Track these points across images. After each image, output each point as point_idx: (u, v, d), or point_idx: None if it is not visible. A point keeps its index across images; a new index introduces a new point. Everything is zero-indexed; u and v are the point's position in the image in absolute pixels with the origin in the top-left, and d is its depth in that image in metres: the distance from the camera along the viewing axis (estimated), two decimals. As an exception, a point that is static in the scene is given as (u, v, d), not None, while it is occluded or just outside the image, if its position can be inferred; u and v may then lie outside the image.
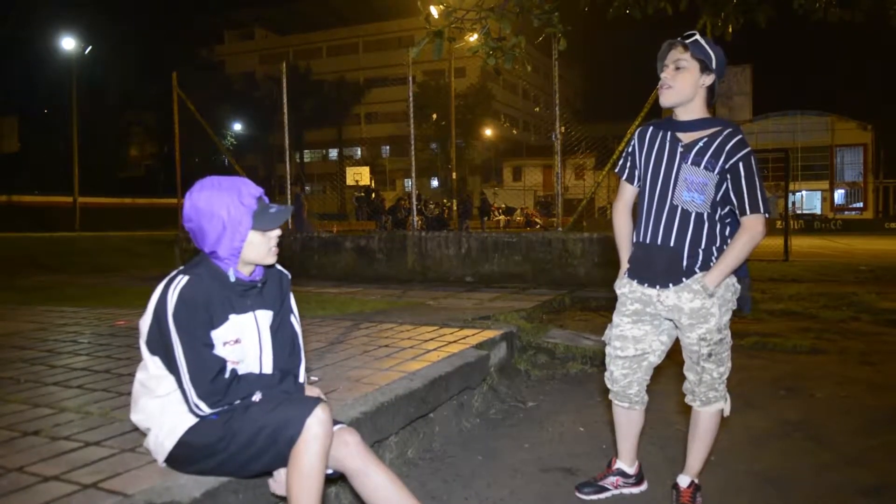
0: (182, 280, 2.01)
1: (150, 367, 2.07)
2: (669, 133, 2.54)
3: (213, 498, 2.00)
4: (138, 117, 46.04)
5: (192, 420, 2.04)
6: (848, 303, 7.56)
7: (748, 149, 2.43)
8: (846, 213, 49.05)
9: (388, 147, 54.94)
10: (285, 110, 10.85)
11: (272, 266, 2.20)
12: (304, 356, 2.32)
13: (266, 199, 2.12)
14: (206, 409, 2.00)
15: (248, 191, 2.05)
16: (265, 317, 2.19)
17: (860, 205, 50.43)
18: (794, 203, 44.91)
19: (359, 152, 53.17)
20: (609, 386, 2.76)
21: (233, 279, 2.08)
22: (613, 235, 2.78)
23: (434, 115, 41.06)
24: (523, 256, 8.40)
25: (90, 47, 31.44)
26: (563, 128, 8.75)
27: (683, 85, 2.46)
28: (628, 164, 2.70)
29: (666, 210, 2.51)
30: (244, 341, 2.12)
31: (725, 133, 2.45)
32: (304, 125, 46.80)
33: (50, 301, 6.89)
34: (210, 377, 1.99)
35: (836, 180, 51.12)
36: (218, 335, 2.05)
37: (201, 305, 2.00)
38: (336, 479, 2.22)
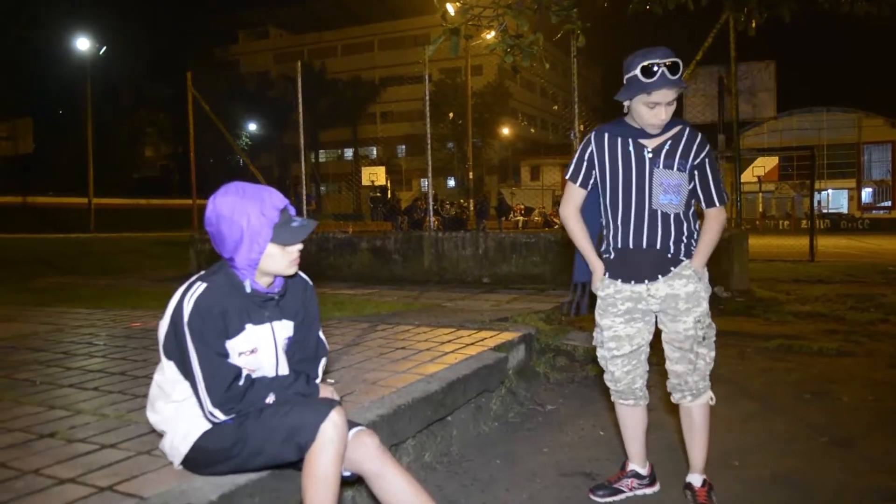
0: (199, 288, 1.98)
1: (167, 371, 2.06)
2: (631, 140, 2.55)
3: (230, 500, 1.99)
4: (153, 117, 46.37)
5: (207, 425, 2.03)
6: (876, 304, 7.44)
7: (708, 146, 2.57)
8: (874, 211, 48.45)
9: (403, 146, 55.00)
10: (300, 109, 10.83)
11: (294, 276, 2.15)
12: (323, 369, 2.30)
13: (292, 211, 2.07)
14: (221, 417, 1.98)
15: (271, 202, 2.00)
16: (283, 328, 2.16)
17: (888, 203, 49.78)
18: (819, 202, 44.40)
19: (374, 152, 53.22)
20: (612, 387, 2.76)
21: (248, 290, 2.04)
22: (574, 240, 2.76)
23: (451, 114, 41.00)
24: (542, 257, 8.33)
25: (104, 48, 31.67)
26: (582, 126, 8.65)
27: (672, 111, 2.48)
28: (583, 169, 2.67)
29: (646, 216, 2.55)
30: (260, 352, 2.09)
31: (687, 133, 2.55)
32: (319, 124, 46.98)
33: (65, 302, 6.92)
34: (225, 386, 1.96)
35: (863, 178, 50.59)
36: (233, 345, 2.02)
37: (217, 315, 1.97)
38: (353, 482, 2.19)
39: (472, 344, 4.20)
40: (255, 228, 1.96)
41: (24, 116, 27.27)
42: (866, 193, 51.14)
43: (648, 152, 2.52)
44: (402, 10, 59.14)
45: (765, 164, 31.76)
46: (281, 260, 2.03)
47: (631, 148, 2.55)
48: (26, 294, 7.94)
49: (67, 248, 15.11)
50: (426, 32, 50.92)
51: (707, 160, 2.55)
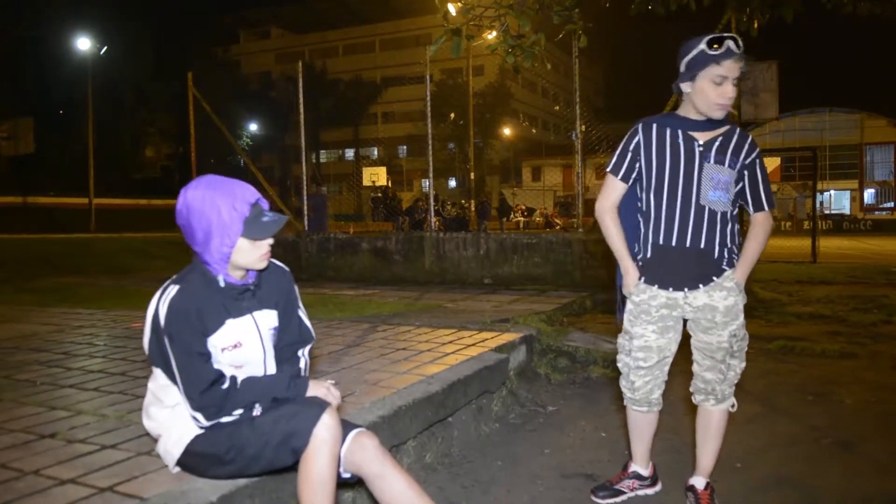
0: (172, 291, 1.97)
1: (158, 378, 2.07)
2: (681, 132, 2.46)
3: (229, 502, 1.99)
4: (154, 118, 46.38)
5: (198, 430, 2.02)
6: (879, 305, 7.43)
7: (758, 147, 2.49)
8: (876, 213, 48.32)
9: (405, 147, 54.96)
10: (301, 110, 10.83)
11: (265, 268, 2.14)
12: (310, 355, 2.30)
13: (264, 205, 2.05)
14: (203, 421, 1.97)
15: (243, 196, 1.98)
16: (266, 317, 2.15)
17: (891, 205, 49.65)
18: (822, 203, 44.31)
19: (375, 152, 53.17)
20: (628, 394, 2.70)
21: (222, 284, 2.04)
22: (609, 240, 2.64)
23: (452, 115, 40.98)
24: (543, 258, 8.32)
25: (105, 47, 31.67)
26: (583, 126, 8.64)
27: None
28: (626, 161, 2.55)
29: (693, 211, 2.44)
30: (245, 345, 2.08)
31: (738, 133, 2.46)
32: (320, 125, 46.97)
33: (65, 303, 6.92)
34: (201, 388, 1.94)
35: (865, 179, 50.46)
36: (215, 341, 2.01)
37: (192, 314, 1.95)
38: (354, 484, 2.18)
39: (474, 345, 4.19)
40: (225, 222, 1.95)
41: (26, 116, 27.22)
42: (869, 194, 51.05)
43: (700, 145, 2.43)
44: (403, 11, 59.20)
45: (767, 165, 31.63)
46: (251, 254, 2.02)
47: (681, 140, 2.45)
48: (27, 294, 7.94)
49: (68, 248, 15.09)
50: (428, 33, 50.99)
51: (758, 161, 2.47)
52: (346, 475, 2.06)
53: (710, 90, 2.36)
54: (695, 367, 2.63)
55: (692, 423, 2.77)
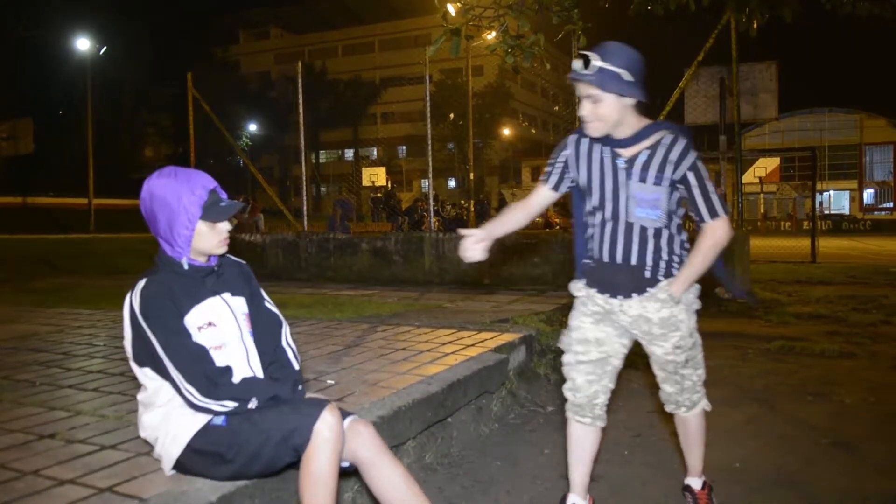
0: (140, 283, 2.07)
1: (147, 382, 2.08)
2: (608, 148, 2.37)
3: (229, 502, 1.98)
4: (153, 118, 46.44)
5: (197, 426, 2.02)
6: (878, 305, 7.44)
7: (693, 155, 2.31)
8: (875, 213, 48.36)
9: (404, 147, 54.98)
10: (301, 110, 10.82)
11: (224, 256, 2.26)
12: (292, 339, 2.34)
13: (222, 194, 2.18)
14: (197, 396, 1.98)
15: (201, 183, 2.11)
16: (237, 303, 2.23)
17: (890, 205, 49.70)
18: (821, 203, 44.35)
19: (375, 152, 53.18)
20: (571, 398, 2.60)
21: (186, 267, 2.13)
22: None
23: (451, 115, 40.96)
24: (542, 258, 8.31)
25: (105, 48, 31.65)
26: (582, 127, 8.63)
27: (607, 113, 2.26)
28: (552, 172, 2.51)
29: (622, 228, 2.38)
30: (220, 325, 2.14)
31: (668, 142, 2.31)
32: (319, 125, 47.00)
33: (65, 303, 6.90)
34: (189, 360, 1.99)
35: (864, 179, 50.51)
36: (190, 321, 2.07)
37: (165, 296, 2.04)
38: (354, 484, 2.18)
39: (473, 345, 4.18)
40: (185, 206, 2.07)
41: (25, 116, 27.21)
42: (868, 195, 51.09)
43: (623, 162, 2.34)
44: (403, 11, 59.17)
45: (766, 165, 31.73)
46: (211, 238, 2.13)
47: (606, 156, 2.37)
48: (26, 294, 7.93)
49: (67, 248, 15.08)
50: (427, 33, 50.92)
51: (691, 173, 2.29)
52: (345, 464, 2.07)
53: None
54: (657, 379, 2.59)
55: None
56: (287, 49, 64.54)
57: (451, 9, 5.38)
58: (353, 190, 29.31)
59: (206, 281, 2.17)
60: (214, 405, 1.98)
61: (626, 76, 2.22)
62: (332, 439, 1.94)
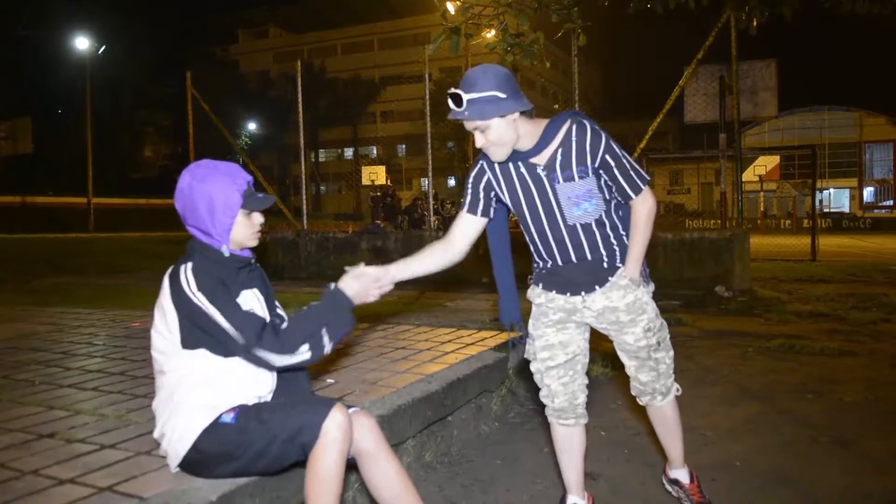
0: (187, 265, 2.07)
1: (172, 373, 2.07)
2: (521, 163, 2.34)
3: (230, 501, 1.98)
4: (152, 117, 46.35)
5: (204, 424, 2.01)
6: (878, 304, 7.44)
7: (602, 136, 2.29)
8: (875, 211, 48.36)
9: (404, 146, 54.90)
10: (300, 109, 10.82)
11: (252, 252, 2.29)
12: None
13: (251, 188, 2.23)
14: (278, 360, 2.04)
15: (240, 175, 2.17)
16: (262, 300, 2.25)
17: (890, 203, 49.70)
18: (821, 201, 44.32)
19: (374, 151, 53.15)
20: (550, 404, 2.56)
21: (227, 254, 2.15)
22: None
23: (451, 114, 40.83)
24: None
25: (104, 47, 31.61)
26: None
27: (499, 136, 2.23)
28: (471, 197, 2.49)
29: (565, 232, 2.38)
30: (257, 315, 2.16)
31: (575, 132, 2.29)
32: (319, 124, 46.94)
33: (64, 302, 6.90)
34: (259, 327, 2.04)
35: (864, 178, 50.51)
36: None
37: (216, 278, 2.07)
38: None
39: (473, 344, 4.18)
40: (227, 195, 2.11)
41: (24, 116, 27.20)
42: (868, 193, 51.11)
43: (542, 169, 2.31)
44: (402, 9, 59.05)
45: (766, 164, 31.72)
46: (246, 229, 2.17)
47: (523, 170, 2.35)
48: (26, 294, 7.93)
49: (67, 248, 15.09)
50: (426, 31, 50.89)
51: (606, 155, 2.28)
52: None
53: None
54: (628, 371, 2.56)
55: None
56: (286, 48, 64.44)
57: (451, 7, 5.37)
58: (353, 188, 29.25)
59: (240, 273, 2.19)
60: (296, 358, 2.06)
61: (500, 94, 2.18)
62: (340, 438, 1.94)
